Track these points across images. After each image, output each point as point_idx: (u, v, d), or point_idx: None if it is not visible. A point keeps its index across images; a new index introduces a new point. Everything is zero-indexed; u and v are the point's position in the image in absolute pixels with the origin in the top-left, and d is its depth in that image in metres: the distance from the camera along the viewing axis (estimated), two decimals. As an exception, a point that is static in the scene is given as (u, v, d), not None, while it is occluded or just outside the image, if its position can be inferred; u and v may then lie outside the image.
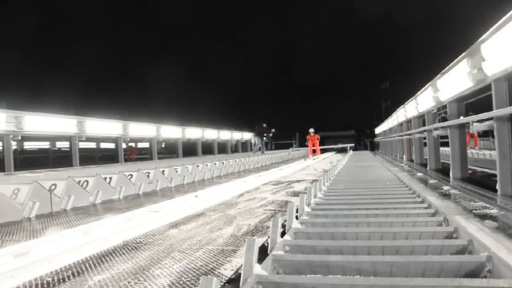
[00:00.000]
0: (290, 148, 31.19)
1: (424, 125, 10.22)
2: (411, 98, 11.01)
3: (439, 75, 7.14)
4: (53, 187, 6.65)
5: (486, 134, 17.53)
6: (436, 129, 8.45)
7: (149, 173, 8.96)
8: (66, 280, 2.89)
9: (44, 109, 13.58)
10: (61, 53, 32.38)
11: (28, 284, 2.81)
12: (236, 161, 14.66)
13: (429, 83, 8.10)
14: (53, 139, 21.41)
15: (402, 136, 14.69)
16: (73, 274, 3.02)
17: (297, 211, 4.12)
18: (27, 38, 27.67)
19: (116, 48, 37.76)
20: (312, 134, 22.43)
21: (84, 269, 3.13)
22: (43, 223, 5.39)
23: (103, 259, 3.38)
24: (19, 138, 11.47)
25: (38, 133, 12.83)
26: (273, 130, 22.45)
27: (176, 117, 24.35)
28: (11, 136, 10.97)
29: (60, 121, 12.86)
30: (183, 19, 42.32)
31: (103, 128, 14.71)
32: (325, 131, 46.15)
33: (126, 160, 18.57)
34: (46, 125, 12.32)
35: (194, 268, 3.00)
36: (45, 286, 2.79)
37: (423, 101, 9.22)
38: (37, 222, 5.49)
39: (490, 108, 5.00)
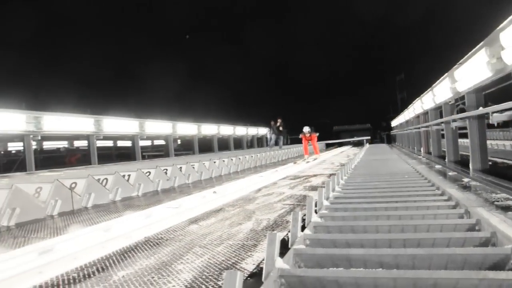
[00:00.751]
0: None
1: (441, 117, 10.11)
2: (427, 90, 10.88)
3: (456, 66, 7.05)
4: (73, 185, 6.75)
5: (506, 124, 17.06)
6: (454, 120, 8.34)
7: (166, 170, 9.04)
8: (91, 275, 2.95)
9: (43, 110, 13.65)
10: (61, 54, 32.39)
11: (55, 280, 2.88)
12: (252, 156, 14.69)
13: (446, 74, 7.99)
14: (71, 138, 21.66)
15: (419, 128, 14.54)
16: (97, 269, 3.08)
17: (315, 205, 4.13)
18: (27, 38, 27.77)
19: (124, 48, 37.77)
20: (308, 134, 16.27)
21: (108, 264, 3.19)
22: (65, 220, 5.49)
23: (126, 255, 3.44)
24: (39, 138, 11.68)
25: (57, 132, 13.02)
26: (279, 120, 22.15)
27: (191, 114, 24.35)
28: (31, 136, 11.18)
29: (78, 121, 13.05)
30: (193, 15, 42.34)
31: (120, 126, 14.88)
32: (341, 124, 46.01)
33: (65, 164, 17.27)
34: (64, 124, 12.51)
35: (216, 263, 3.03)
36: (71, 281, 2.85)
37: (440, 92, 9.11)
38: (60, 219, 5.59)
39: (510, 98, 4.92)
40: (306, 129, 16.28)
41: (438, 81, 9.08)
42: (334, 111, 45.84)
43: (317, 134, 17.03)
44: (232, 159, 12.71)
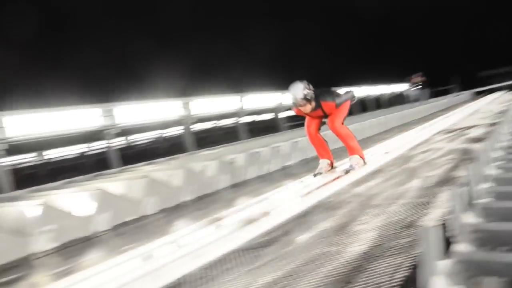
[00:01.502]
0: (449, 95, 28.90)
1: None
2: None
3: None
4: (233, 160, 7.32)
5: None
6: None
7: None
8: (282, 237, 3.23)
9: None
10: (65, 53, 32.80)
11: (259, 236, 3.26)
12: (395, 114, 14.20)
13: None
14: (216, 118, 23.20)
15: None
16: (283, 233, 3.34)
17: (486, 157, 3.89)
18: (29, 37, 28.65)
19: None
20: (308, 106, 5.37)
21: (289, 229, 3.44)
22: (235, 192, 6.04)
23: (303, 219, 3.67)
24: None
25: (206, 114, 14.15)
26: (421, 77, 20.83)
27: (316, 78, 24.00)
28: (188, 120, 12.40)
29: (224, 100, 14.03)
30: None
31: (261, 101, 15.58)
32: (483, 70, 41.14)
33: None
34: (211, 105, 13.58)
35: (394, 222, 3.08)
36: (277, 238, 3.18)
37: None
38: (231, 191, 6.17)
39: None
40: (296, 91, 5.36)
41: None
42: (475, 53, 41.00)
43: (345, 99, 5.62)
44: (374, 120, 12.48)
